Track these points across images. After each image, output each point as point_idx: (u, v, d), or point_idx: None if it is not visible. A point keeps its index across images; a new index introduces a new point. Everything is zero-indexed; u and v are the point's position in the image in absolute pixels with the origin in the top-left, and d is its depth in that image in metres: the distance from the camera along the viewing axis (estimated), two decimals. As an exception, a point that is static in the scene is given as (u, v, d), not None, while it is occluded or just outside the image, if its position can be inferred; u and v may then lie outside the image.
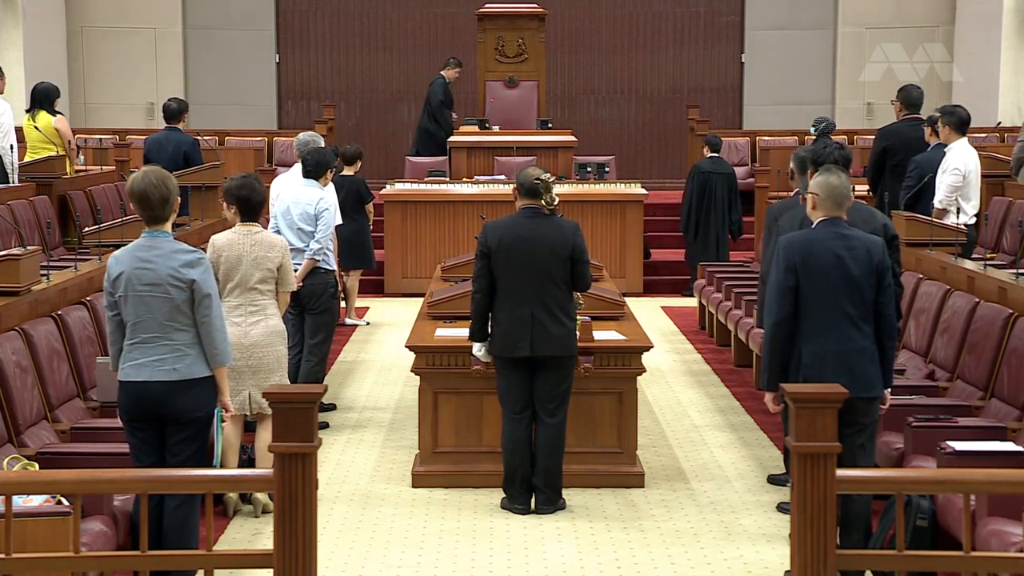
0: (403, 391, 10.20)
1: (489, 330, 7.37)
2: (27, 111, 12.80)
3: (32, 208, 11.25)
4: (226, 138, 18.13)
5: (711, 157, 14.64)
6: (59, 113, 12.69)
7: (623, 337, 7.95)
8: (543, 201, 7.36)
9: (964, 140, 9.86)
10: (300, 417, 4.18)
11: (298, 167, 9.42)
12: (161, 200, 5.92)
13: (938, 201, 9.72)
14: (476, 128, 16.68)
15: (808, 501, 4.16)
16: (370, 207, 12.78)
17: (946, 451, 6.19)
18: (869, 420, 6.17)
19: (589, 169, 15.56)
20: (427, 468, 7.83)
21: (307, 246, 8.84)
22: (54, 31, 19.28)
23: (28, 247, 7.96)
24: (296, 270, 8.30)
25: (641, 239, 14.79)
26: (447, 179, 15.64)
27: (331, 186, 9.39)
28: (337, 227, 9.31)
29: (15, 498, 5.03)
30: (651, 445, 8.66)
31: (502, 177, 15.43)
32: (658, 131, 20.82)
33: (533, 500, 7.36)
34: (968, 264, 8.69)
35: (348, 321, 12.94)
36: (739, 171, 16.74)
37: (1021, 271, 7.85)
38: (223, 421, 6.13)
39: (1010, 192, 11.72)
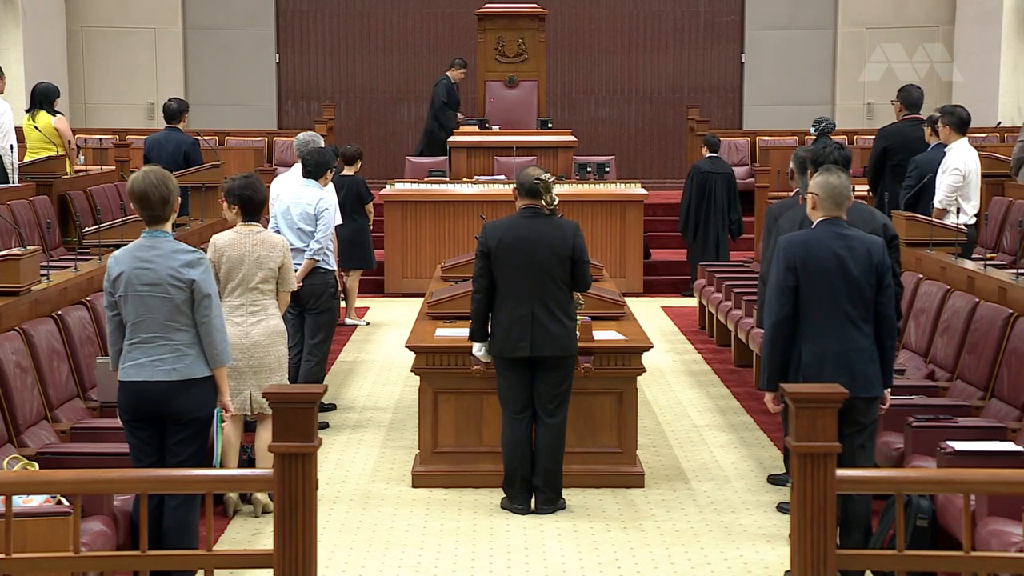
0: (403, 391, 10.21)
1: (489, 330, 7.37)
2: (27, 111, 12.80)
3: (32, 208, 11.25)
4: (226, 138, 18.14)
5: (710, 157, 14.65)
6: (59, 113, 12.70)
7: (623, 337, 7.95)
8: (543, 201, 7.36)
9: (964, 140, 9.86)
10: (300, 417, 4.18)
11: (298, 167, 9.42)
12: (161, 200, 5.92)
13: (938, 201, 9.72)
14: (476, 128, 16.68)
15: (808, 501, 4.16)
16: (370, 207, 12.78)
17: (946, 451, 6.19)
18: (869, 420, 6.17)
19: (589, 169, 15.57)
20: (427, 468, 7.83)
21: (307, 246, 8.84)
22: (54, 31, 19.28)
23: (28, 247, 7.96)
24: (296, 270, 8.29)
25: (641, 239, 14.79)
26: (447, 179, 15.65)
27: (331, 186, 9.39)
28: (337, 227, 9.31)
29: (15, 498, 5.04)
30: (651, 445, 8.66)
31: (502, 177, 15.43)
32: (658, 131, 20.82)
33: (533, 500, 7.36)
34: (968, 264, 8.69)
35: (348, 321, 12.95)
36: (739, 171, 16.75)
37: (1021, 271, 7.85)
38: (223, 421, 6.13)
39: (1010, 192, 11.73)
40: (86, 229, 10.12)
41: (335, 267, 9.18)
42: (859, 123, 19.37)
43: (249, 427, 7.67)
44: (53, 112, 12.56)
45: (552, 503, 7.34)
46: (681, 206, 14.73)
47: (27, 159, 12.31)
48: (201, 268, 5.92)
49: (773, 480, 7.89)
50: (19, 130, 12.59)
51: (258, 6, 20.56)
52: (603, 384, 7.76)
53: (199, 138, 13.14)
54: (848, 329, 6.11)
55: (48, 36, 19.02)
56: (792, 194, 8.07)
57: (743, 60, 20.78)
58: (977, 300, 7.92)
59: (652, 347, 7.97)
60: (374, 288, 14.66)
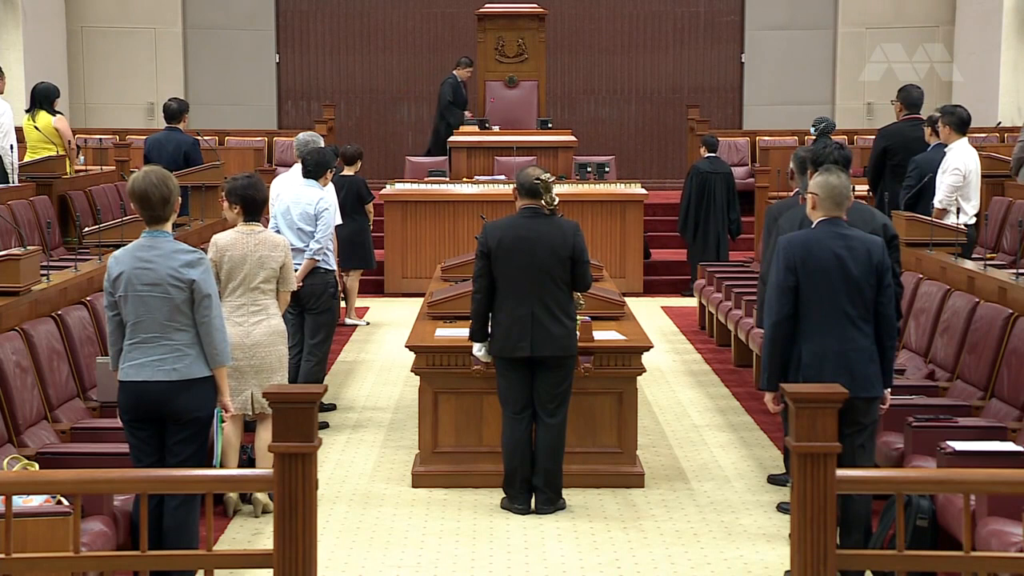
0: (403, 391, 10.20)
1: (489, 330, 7.37)
2: (27, 111, 12.80)
3: (32, 208, 11.25)
4: (226, 138, 18.14)
5: (709, 157, 14.66)
6: (59, 113, 12.70)
7: (623, 337, 7.95)
8: (543, 201, 7.36)
9: (964, 140, 9.86)
10: (300, 417, 4.18)
11: (298, 167, 9.42)
12: (161, 200, 5.92)
13: (938, 201, 9.72)
14: (476, 128, 16.69)
15: (808, 501, 4.16)
16: (370, 207, 12.78)
17: (946, 451, 6.19)
18: (869, 420, 6.17)
19: (589, 169, 15.57)
20: (427, 468, 7.83)
21: (307, 246, 8.84)
22: (54, 31, 19.29)
23: (28, 247, 7.96)
24: (296, 270, 8.29)
25: (641, 239, 14.79)
26: (447, 179, 15.65)
27: (331, 186, 9.40)
28: (337, 227, 9.32)
29: (15, 498, 5.04)
30: (651, 445, 8.66)
31: (502, 177, 15.43)
32: (658, 131, 20.82)
33: (533, 500, 7.36)
34: (968, 264, 8.69)
35: (348, 321, 12.95)
36: (739, 171, 16.75)
37: (1021, 271, 7.85)
38: (223, 421, 6.13)
39: (1010, 192, 11.73)
40: (86, 229, 10.12)
41: (335, 267, 9.18)
42: (859, 123, 19.38)
43: (249, 427, 7.67)
44: (53, 112, 12.56)
45: (552, 503, 7.34)
46: (680, 206, 14.74)
47: (27, 159, 12.31)
48: (201, 268, 5.92)
49: (773, 480, 7.89)
50: (19, 130, 12.59)
51: (258, 6, 20.56)
52: (603, 384, 7.76)
53: (199, 138, 13.14)
54: (848, 329, 6.11)
55: (48, 36, 19.02)
56: (792, 194, 8.07)
57: (743, 60, 20.78)
58: (977, 300, 7.92)
59: (652, 347, 7.97)
60: (374, 288, 14.66)
